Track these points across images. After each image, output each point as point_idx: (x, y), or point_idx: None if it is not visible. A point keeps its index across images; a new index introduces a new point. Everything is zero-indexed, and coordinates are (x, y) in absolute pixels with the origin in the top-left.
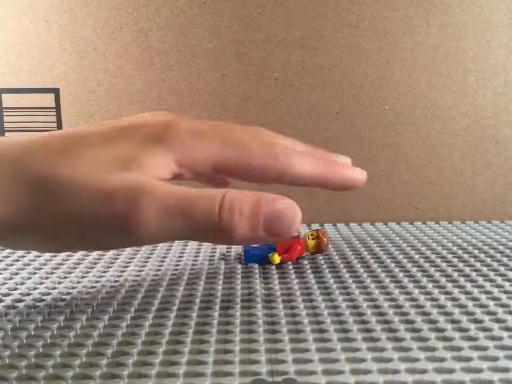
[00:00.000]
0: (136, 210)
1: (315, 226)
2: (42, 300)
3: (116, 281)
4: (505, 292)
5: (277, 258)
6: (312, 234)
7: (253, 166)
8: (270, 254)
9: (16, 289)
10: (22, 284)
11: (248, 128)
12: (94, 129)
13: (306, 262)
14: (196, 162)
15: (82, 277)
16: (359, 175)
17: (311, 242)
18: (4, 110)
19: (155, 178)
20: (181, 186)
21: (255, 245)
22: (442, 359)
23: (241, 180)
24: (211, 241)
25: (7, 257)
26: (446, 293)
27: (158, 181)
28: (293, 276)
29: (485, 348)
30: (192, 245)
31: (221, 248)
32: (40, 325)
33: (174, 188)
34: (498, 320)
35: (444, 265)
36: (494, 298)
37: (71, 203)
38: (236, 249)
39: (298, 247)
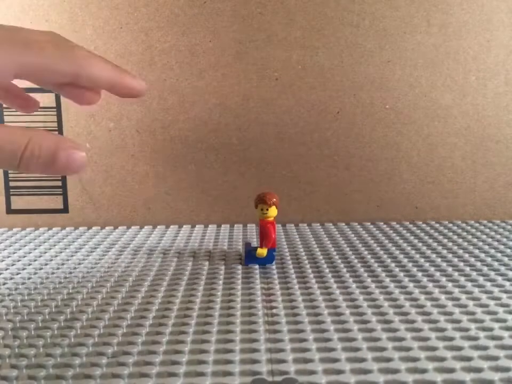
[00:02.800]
0: None
1: (315, 225)
2: (42, 300)
3: (116, 281)
4: (506, 292)
5: (262, 251)
6: (265, 206)
7: (50, 68)
8: (256, 252)
9: (16, 289)
10: (22, 283)
11: (45, 32)
12: None
13: (306, 261)
14: None
15: (83, 277)
16: (141, 85)
17: (274, 211)
18: (4, 110)
19: None
20: None
21: (252, 246)
22: (442, 359)
23: (38, 84)
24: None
25: (8, 257)
26: (447, 292)
27: None
28: (293, 276)
29: (485, 348)
30: (193, 245)
31: (222, 247)
32: (40, 324)
33: None
34: (498, 320)
35: (444, 264)
36: (494, 298)
37: None
38: (236, 249)
39: (269, 225)
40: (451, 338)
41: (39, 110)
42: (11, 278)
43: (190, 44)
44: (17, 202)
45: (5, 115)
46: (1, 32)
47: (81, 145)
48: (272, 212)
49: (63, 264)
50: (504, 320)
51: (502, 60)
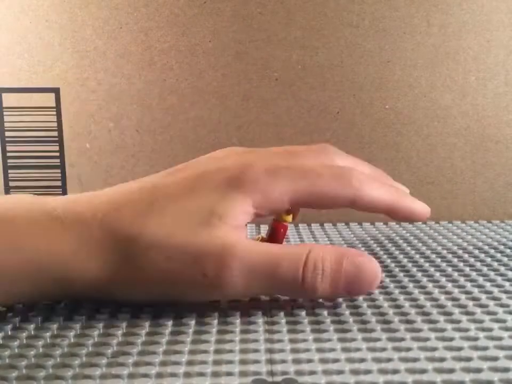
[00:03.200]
0: (223, 271)
1: (315, 226)
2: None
3: None
4: (505, 292)
5: None
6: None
7: (327, 195)
8: None
9: None
10: None
11: (315, 150)
12: (171, 179)
13: None
14: (272, 201)
15: None
16: (425, 208)
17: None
18: (4, 110)
19: (237, 227)
20: (264, 244)
21: None
22: (442, 359)
23: (315, 208)
24: (293, 297)
25: None
26: (446, 292)
27: (242, 237)
28: None
29: (485, 348)
30: None
31: None
32: (40, 325)
33: (258, 247)
34: (498, 320)
35: (444, 265)
36: (494, 298)
37: (160, 262)
38: None
39: (281, 230)
40: (451, 339)
41: (39, 110)
42: None
43: (190, 44)
44: None
45: (5, 115)
46: (278, 160)
47: (370, 256)
48: (287, 217)
49: None
50: (504, 321)
51: (502, 60)
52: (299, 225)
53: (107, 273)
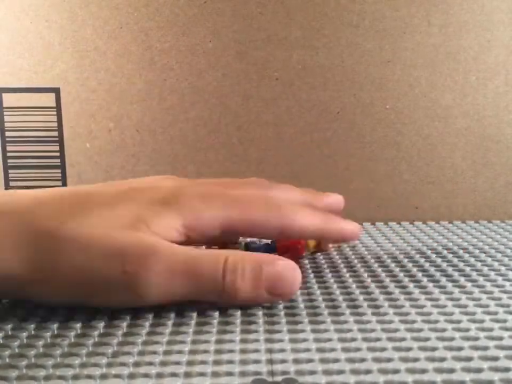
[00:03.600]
0: (145, 269)
1: None
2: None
3: None
4: (506, 292)
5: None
6: None
7: (257, 223)
8: None
9: None
10: None
11: (250, 182)
12: (104, 188)
13: (306, 261)
14: (203, 224)
15: None
16: (355, 228)
17: (311, 242)
18: (4, 110)
19: (162, 236)
20: (186, 247)
21: (255, 244)
22: (442, 359)
23: (246, 237)
24: (215, 300)
25: None
26: (447, 293)
27: (166, 241)
28: None
29: (485, 348)
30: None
31: None
32: (40, 324)
33: (180, 248)
34: (498, 320)
35: (444, 265)
36: (495, 298)
37: (78, 257)
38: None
39: (299, 246)
40: (451, 339)
41: (39, 110)
42: None
43: (190, 44)
44: None
45: (5, 115)
46: (212, 188)
47: (287, 259)
48: (312, 242)
49: None
50: (504, 321)
51: (502, 60)
52: None
53: (26, 269)
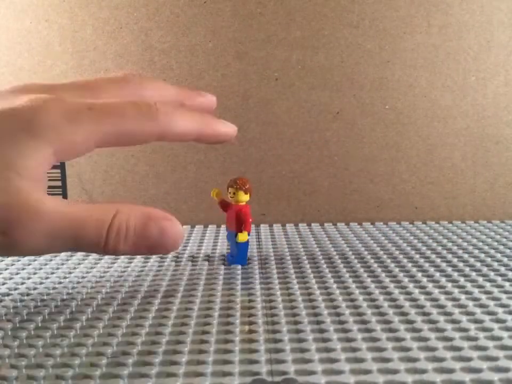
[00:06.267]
0: (22, 233)
1: (315, 225)
2: (42, 300)
3: (115, 282)
4: (505, 292)
5: (243, 236)
6: (233, 190)
7: (134, 132)
8: (237, 237)
9: (16, 289)
10: (22, 283)
11: (118, 81)
12: None
13: (306, 261)
14: (77, 147)
15: (82, 277)
16: (230, 129)
17: (242, 195)
18: None
19: (37, 180)
20: (69, 204)
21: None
22: (442, 359)
23: (123, 146)
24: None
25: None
26: (446, 293)
27: (44, 196)
28: (293, 276)
29: (485, 348)
30: (192, 245)
31: (222, 247)
32: (40, 325)
33: (62, 208)
34: (498, 320)
35: (444, 265)
36: (494, 298)
37: None
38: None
39: (244, 211)
40: (451, 339)
41: None
42: (10, 278)
43: (189, 44)
44: None
45: None
46: (77, 98)
47: (175, 219)
48: (241, 196)
49: (62, 264)
50: (504, 321)
51: (502, 60)
52: (299, 224)
53: None
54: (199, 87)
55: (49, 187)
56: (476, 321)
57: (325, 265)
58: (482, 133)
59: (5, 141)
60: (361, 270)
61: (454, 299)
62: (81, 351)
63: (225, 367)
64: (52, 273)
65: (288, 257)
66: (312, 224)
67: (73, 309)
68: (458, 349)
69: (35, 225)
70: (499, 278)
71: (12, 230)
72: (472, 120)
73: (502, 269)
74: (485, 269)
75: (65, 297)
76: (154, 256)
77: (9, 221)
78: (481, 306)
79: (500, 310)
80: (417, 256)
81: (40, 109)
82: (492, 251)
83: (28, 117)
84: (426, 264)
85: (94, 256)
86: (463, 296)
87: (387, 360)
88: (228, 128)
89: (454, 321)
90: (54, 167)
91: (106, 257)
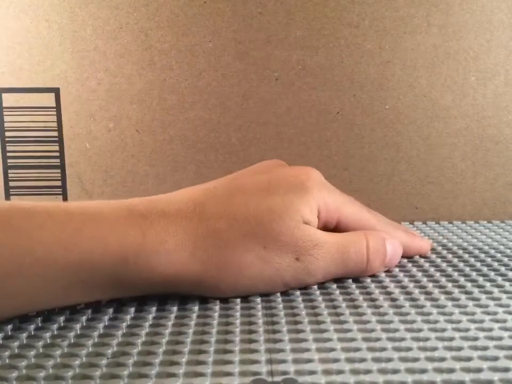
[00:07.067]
0: (310, 260)
1: None
2: None
3: None
4: (506, 292)
5: None
6: None
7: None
8: None
9: None
10: None
11: (387, 224)
12: (249, 181)
13: None
14: (329, 211)
15: None
16: (426, 246)
17: None
18: (4, 110)
19: (311, 220)
20: (330, 234)
21: None
22: (442, 359)
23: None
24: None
25: None
26: (446, 293)
27: (322, 233)
28: None
29: (485, 348)
30: None
31: None
32: (40, 325)
33: (331, 236)
34: (498, 320)
35: (444, 265)
36: (494, 299)
37: (257, 251)
38: None
39: None
40: (451, 339)
41: (39, 110)
42: None
43: (190, 44)
44: None
45: (5, 115)
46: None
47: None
48: None
49: None
50: (504, 321)
51: (502, 60)
52: None
53: (202, 267)
54: (199, 87)
55: (50, 187)
56: (476, 321)
57: None
58: (482, 133)
59: (294, 193)
60: None
61: (454, 299)
62: (81, 351)
63: (225, 367)
64: None
65: None
66: None
67: (73, 309)
68: (458, 348)
69: (319, 252)
70: (499, 278)
71: (304, 257)
72: (472, 120)
73: (502, 269)
74: (485, 269)
75: None
76: None
77: (303, 249)
78: (481, 306)
79: (500, 310)
80: (417, 256)
81: (308, 174)
82: (492, 251)
83: (302, 179)
84: (426, 264)
85: None
86: (463, 296)
87: (387, 360)
88: (426, 245)
89: (454, 321)
90: (54, 167)
91: None
